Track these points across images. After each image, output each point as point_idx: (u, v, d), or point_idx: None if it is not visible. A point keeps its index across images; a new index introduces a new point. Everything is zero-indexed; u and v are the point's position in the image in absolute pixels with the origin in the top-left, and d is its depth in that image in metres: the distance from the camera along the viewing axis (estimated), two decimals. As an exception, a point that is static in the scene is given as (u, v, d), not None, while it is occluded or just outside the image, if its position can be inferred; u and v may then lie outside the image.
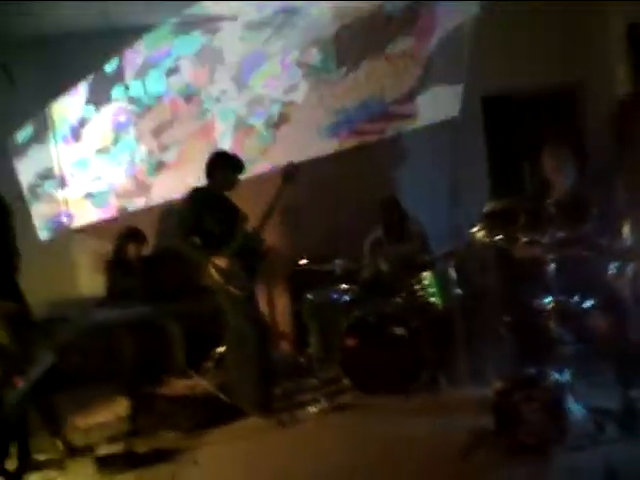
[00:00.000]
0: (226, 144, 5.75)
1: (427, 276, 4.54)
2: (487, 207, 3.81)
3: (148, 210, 5.85)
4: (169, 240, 4.26)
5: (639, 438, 3.24)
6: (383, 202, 5.05)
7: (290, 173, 4.36)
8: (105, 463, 3.71)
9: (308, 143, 5.79)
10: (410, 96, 5.66)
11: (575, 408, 3.35)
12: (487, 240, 3.70)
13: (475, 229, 3.74)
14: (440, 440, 3.58)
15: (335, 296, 4.83)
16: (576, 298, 3.61)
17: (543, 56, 5.43)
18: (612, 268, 3.51)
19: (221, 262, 4.15)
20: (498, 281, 5.06)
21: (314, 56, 5.74)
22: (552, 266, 3.39)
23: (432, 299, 4.51)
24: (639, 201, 3.69)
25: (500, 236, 3.65)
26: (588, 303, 3.58)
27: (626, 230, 3.53)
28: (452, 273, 3.74)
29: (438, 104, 5.61)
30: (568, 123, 5.41)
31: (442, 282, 4.44)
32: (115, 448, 3.83)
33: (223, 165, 4.38)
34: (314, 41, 5.72)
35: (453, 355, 4.02)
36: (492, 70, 5.42)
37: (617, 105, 5.52)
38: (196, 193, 4.32)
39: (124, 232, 5.32)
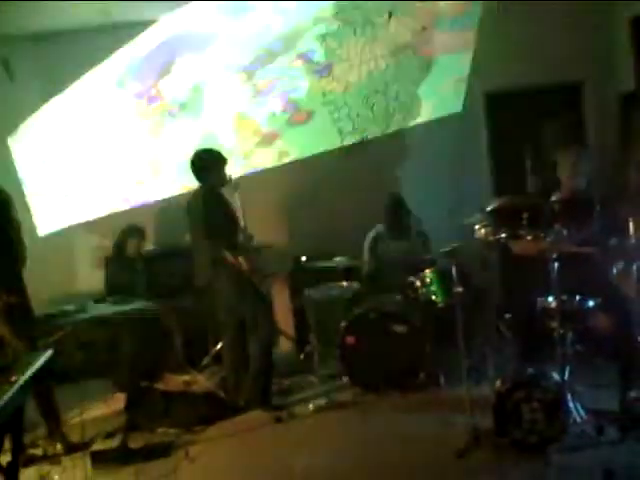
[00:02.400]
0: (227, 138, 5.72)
1: (428, 274, 4.50)
2: (490, 204, 3.77)
3: (148, 206, 5.81)
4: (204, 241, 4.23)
5: (638, 440, 3.20)
6: (387, 199, 5.02)
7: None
8: (100, 458, 3.69)
9: (309, 139, 5.75)
10: (413, 92, 5.62)
11: (575, 408, 3.30)
12: (490, 238, 3.66)
13: (478, 226, 3.70)
14: (438, 438, 3.56)
15: (335, 293, 4.80)
16: (579, 297, 3.57)
17: (546, 52, 5.38)
18: (616, 267, 3.46)
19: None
20: (500, 279, 5.02)
21: (316, 50, 5.69)
22: (555, 264, 3.34)
23: (433, 297, 4.46)
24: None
25: (503, 234, 3.61)
26: (591, 303, 3.54)
27: (631, 229, 3.48)
28: (453, 271, 3.69)
29: (441, 100, 5.57)
30: (571, 120, 5.36)
31: (443, 280, 4.38)
32: (111, 443, 3.80)
33: (218, 162, 4.39)
34: (316, 36, 5.67)
35: (453, 353, 3.97)
36: (495, 66, 5.38)
37: (621, 100, 5.47)
38: (209, 192, 4.33)
39: (125, 228, 5.31)
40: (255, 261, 4.36)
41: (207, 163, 4.38)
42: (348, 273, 4.95)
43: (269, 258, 5.44)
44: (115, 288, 5.10)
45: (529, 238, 3.51)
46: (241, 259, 4.20)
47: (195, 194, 4.43)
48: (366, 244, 5.06)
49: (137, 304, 4.79)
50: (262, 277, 4.42)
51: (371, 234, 5.06)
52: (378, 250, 5.02)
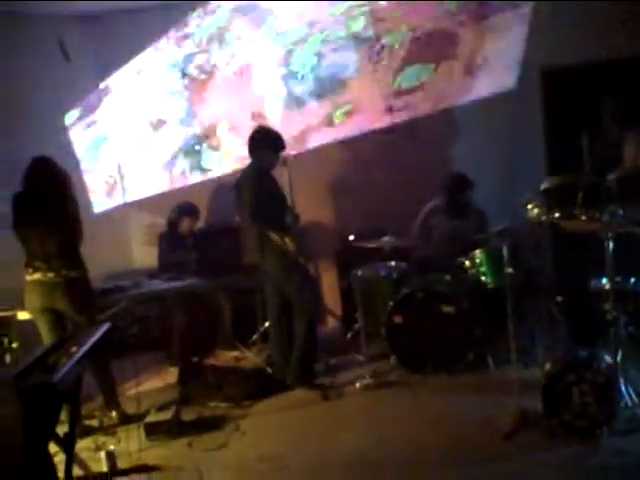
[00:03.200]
0: (275, 119, 5.76)
1: (478, 254, 4.44)
2: (544, 183, 3.69)
3: (203, 185, 5.90)
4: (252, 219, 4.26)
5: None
6: (453, 176, 4.95)
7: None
8: (154, 429, 3.82)
9: (361, 118, 5.72)
10: (466, 68, 5.51)
11: (626, 392, 3.24)
12: (543, 218, 3.58)
13: (531, 206, 3.63)
14: (485, 420, 3.54)
15: (383, 272, 4.79)
16: (633, 279, 3.49)
17: (603, 26, 5.16)
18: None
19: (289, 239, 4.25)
20: (553, 261, 4.91)
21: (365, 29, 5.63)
22: (610, 245, 3.26)
23: (483, 278, 4.41)
24: None
25: (557, 214, 3.53)
26: (645, 285, 3.46)
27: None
28: (504, 251, 3.63)
29: (495, 76, 5.44)
30: (630, 96, 5.15)
31: (494, 261, 4.32)
32: (164, 416, 3.92)
33: (276, 144, 4.39)
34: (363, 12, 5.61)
35: (502, 335, 3.94)
36: (551, 41, 5.21)
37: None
38: (259, 172, 4.33)
39: (179, 207, 5.41)
40: (301, 242, 4.37)
41: (265, 142, 4.39)
42: (396, 253, 4.92)
43: (317, 237, 5.48)
44: (168, 265, 5.21)
45: (583, 218, 3.42)
46: (287, 240, 4.23)
47: (245, 173, 4.43)
48: (420, 216, 5.03)
49: (188, 281, 4.90)
50: (308, 257, 4.44)
51: (427, 206, 5.02)
52: (431, 223, 4.98)
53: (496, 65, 5.43)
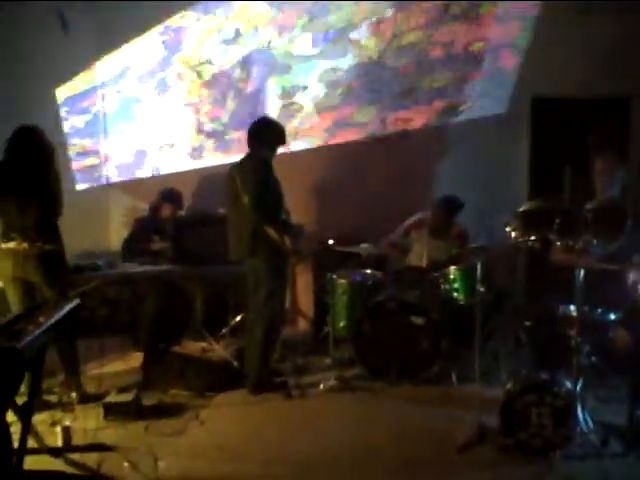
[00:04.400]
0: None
1: (452, 271, 4.51)
2: (523, 206, 3.76)
3: (186, 173, 5.90)
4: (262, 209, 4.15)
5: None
6: (446, 199, 4.93)
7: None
8: (112, 410, 3.80)
9: (348, 124, 5.77)
10: (459, 88, 5.60)
11: (583, 418, 3.30)
12: (519, 240, 3.65)
13: (509, 228, 3.69)
14: (442, 432, 3.59)
15: (358, 279, 4.83)
16: (600, 310, 3.56)
17: (598, 62, 5.29)
18: (640, 285, 3.43)
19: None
20: (524, 283, 4.99)
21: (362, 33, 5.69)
22: (581, 274, 3.32)
23: (455, 294, 4.48)
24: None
25: (533, 237, 3.60)
26: (612, 316, 3.53)
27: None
28: (478, 269, 3.69)
29: (486, 99, 5.53)
30: (616, 132, 5.27)
31: (467, 278, 4.39)
32: (124, 397, 3.90)
33: (280, 138, 4.35)
34: (362, 18, 5.67)
35: (468, 351, 3.99)
36: (545, 71, 5.31)
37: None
38: (263, 162, 4.23)
39: (162, 192, 5.40)
40: (296, 241, 4.31)
41: (271, 135, 4.30)
42: (373, 261, 4.97)
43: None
44: (131, 249, 5.20)
45: (559, 244, 3.49)
46: (286, 238, 4.15)
47: (246, 164, 4.24)
48: (407, 222, 5.07)
49: (163, 267, 4.89)
50: (300, 258, 4.41)
51: (417, 216, 5.07)
52: (412, 236, 5.03)
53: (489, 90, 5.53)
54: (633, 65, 5.35)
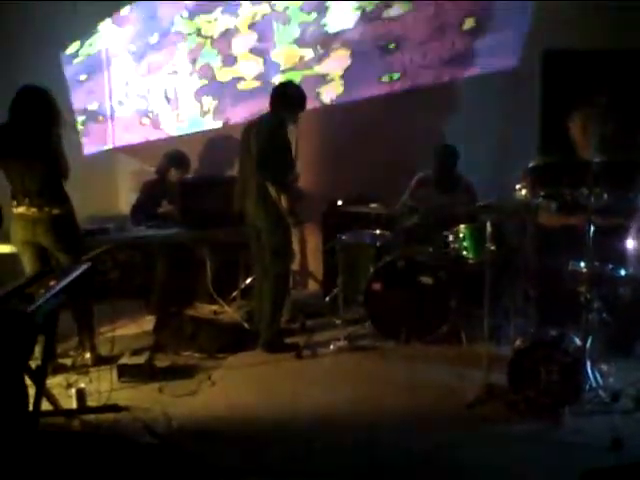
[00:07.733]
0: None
1: (462, 229, 4.47)
2: (532, 162, 3.70)
3: (195, 136, 5.86)
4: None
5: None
6: (439, 149, 4.92)
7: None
8: (126, 371, 3.86)
9: (359, 83, 5.68)
10: (469, 42, 5.48)
11: (592, 375, 3.31)
12: (529, 196, 3.60)
13: (519, 186, 3.64)
14: (451, 389, 3.64)
15: (367, 239, 4.81)
16: (611, 265, 3.53)
17: (612, 14, 5.13)
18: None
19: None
20: (534, 240, 4.94)
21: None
22: (591, 230, 3.29)
23: (464, 252, 4.45)
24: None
25: (542, 193, 3.55)
26: (622, 271, 3.50)
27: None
28: (488, 227, 3.65)
29: (497, 52, 5.41)
30: (630, 84, 5.13)
31: (477, 236, 4.35)
32: (137, 359, 3.96)
33: (301, 104, 4.41)
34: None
35: (477, 310, 3.99)
36: (556, 22, 5.17)
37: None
38: (280, 122, 4.29)
39: (168, 156, 5.37)
40: (295, 203, 4.36)
41: (293, 99, 4.37)
42: (382, 222, 4.94)
43: (305, 199, 5.47)
44: (140, 212, 5.20)
45: (568, 200, 3.44)
46: (283, 197, 4.21)
47: (263, 122, 4.32)
48: (411, 184, 5.03)
49: (172, 230, 4.90)
50: (297, 220, 4.41)
51: (419, 176, 5.02)
52: (419, 194, 4.99)
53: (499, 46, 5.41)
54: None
